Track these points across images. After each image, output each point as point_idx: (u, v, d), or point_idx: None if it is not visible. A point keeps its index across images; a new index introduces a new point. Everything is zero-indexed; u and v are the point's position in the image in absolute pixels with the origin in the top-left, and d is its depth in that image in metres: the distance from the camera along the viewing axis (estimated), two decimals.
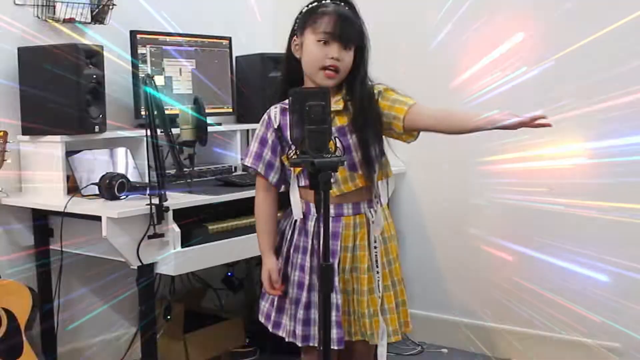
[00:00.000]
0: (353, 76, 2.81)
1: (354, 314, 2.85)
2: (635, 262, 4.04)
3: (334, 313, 2.73)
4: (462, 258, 4.74)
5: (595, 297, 4.18)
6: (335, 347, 2.76)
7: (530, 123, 2.45)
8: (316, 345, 2.81)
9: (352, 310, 2.85)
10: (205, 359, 4.60)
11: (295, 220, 2.89)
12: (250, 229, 3.78)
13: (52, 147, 3.80)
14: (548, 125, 2.45)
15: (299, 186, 2.86)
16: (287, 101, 2.62)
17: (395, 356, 4.59)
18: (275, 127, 2.86)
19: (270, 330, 2.98)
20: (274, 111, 2.88)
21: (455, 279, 4.79)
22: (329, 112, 2.35)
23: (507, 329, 4.55)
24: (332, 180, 2.36)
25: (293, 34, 2.84)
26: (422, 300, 4.76)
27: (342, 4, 2.82)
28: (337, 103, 2.78)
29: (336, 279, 2.79)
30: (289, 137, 2.72)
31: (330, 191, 2.53)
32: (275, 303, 2.96)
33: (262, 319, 3.01)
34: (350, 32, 2.74)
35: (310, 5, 2.82)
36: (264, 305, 3.00)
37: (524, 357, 4.48)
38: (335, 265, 2.78)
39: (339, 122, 2.79)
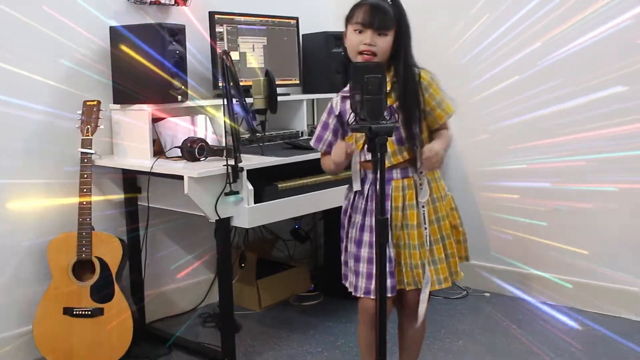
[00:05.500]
0: (396, 59, 2.81)
1: (406, 266, 2.86)
2: None
3: (387, 265, 2.76)
4: (501, 212, 4.70)
5: (625, 242, 4.21)
6: (389, 295, 2.78)
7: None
8: (361, 295, 2.89)
9: (404, 262, 2.86)
10: (275, 302, 4.65)
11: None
12: (316, 187, 3.83)
13: (139, 114, 3.81)
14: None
15: (359, 160, 2.89)
16: (346, 89, 2.75)
17: (443, 300, 4.58)
18: (337, 113, 2.92)
19: (343, 282, 3.02)
20: (336, 100, 2.94)
21: (496, 230, 4.74)
22: (385, 84, 2.35)
23: (541, 275, 4.53)
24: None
25: (346, 23, 2.86)
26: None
27: None
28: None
29: (390, 234, 2.81)
30: (347, 121, 2.84)
31: None
32: (343, 258, 3.01)
33: (342, 275, 3.04)
34: (381, 20, 2.73)
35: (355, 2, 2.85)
36: (343, 262, 3.04)
37: (560, 299, 4.45)
38: (388, 222, 2.78)
39: (388, 102, 2.76)
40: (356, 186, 2.91)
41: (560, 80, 4.30)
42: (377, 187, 2.35)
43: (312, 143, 3.04)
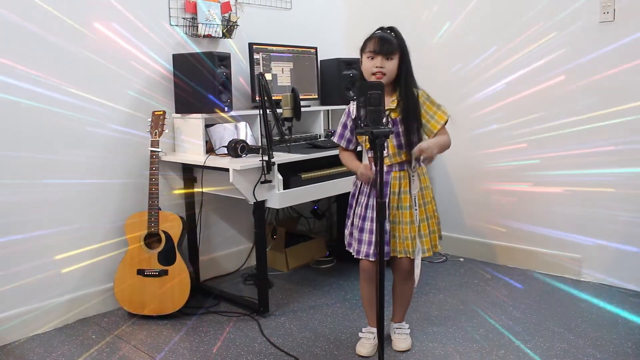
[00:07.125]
0: (401, 80, 2.86)
1: (399, 238, 2.93)
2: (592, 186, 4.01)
3: (385, 235, 2.82)
4: (473, 196, 4.69)
5: (564, 219, 4.17)
6: (385, 258, 2.84)
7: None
8: (362, 258, 2.99)
9: (397, 235, 2.93)
10: (299, 265, 4.65)
11: None
12: (330, 177, 3.82)
13: (195, 121, 3.82)
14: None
15: (368, 156, 2.95)
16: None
17: (428, 264, 4.58)
18: (353, 117, 3.01)
19: (347, 248, 3.09)
20: (352, 107, 3.03)
21: (469, 210, 4.74)
22: (383, 98, 2.37)
23: (503, 244, 4.52)
24: (385, 153, 2.48)
25: (361, 53, 2.91)
26: (446, 224, 4.75)
27: (388, 30, 2.90)
28: (392, 102, 2.88)
29: (387, 212, 2.88)
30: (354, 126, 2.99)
31: (385, 162, 2.80)
32: (347, 230, 3.08)
33: (346, 243, 3.10)
34: (387, 47, 2.80)
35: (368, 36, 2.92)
36: (346, 233, 3.10)
37: (516, 263, 4.44)
38: (386, 204, 2.86)
39: (394, 115, 2.86)
40: None
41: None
42: (377, 177, 2.38)
43: (335, 139, 3.11)
